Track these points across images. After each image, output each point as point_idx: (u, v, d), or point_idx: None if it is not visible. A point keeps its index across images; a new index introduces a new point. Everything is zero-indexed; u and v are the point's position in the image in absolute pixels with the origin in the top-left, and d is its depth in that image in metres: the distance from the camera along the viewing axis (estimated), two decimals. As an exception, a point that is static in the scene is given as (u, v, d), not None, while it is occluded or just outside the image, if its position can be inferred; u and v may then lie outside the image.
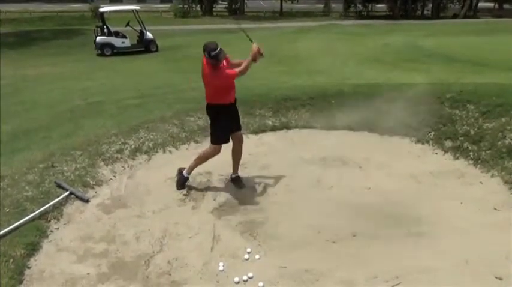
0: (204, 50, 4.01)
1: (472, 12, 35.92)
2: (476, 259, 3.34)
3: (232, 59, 4.34)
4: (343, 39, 18.24)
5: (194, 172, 4.61)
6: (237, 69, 4.12)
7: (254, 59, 4.14)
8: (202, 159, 4.46)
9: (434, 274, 3.21)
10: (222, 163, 4.66)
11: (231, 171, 4.67)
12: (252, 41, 4.22)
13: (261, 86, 7.33)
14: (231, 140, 4.43)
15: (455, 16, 34.73)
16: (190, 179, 4.56)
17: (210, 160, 4.50)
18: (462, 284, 3.11)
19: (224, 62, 4.15)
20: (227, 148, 4.93)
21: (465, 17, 34.09)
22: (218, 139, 4.37)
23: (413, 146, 5.37)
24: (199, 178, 4.65)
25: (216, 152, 4.41)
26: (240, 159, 4.59)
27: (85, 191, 4.43)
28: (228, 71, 4.11)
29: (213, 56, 3.97)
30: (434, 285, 3.11)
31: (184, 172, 4.50)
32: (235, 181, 4.60)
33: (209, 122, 4.47)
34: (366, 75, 9.13)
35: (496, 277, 3.15)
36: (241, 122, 5.85)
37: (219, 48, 3.97)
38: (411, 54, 13.11)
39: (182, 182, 4.51)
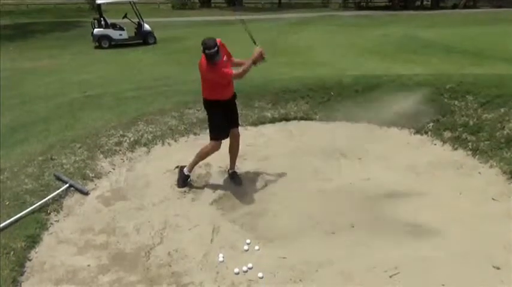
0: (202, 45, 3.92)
1: (472, 2, 35.69)
2: (475, 249, 3.36)
3: (232, 55, 4.27)
4: (342, 30, 18.16)
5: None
6: (234, 71, 4.02)
7: (255, 63, 4.02)
8: (202, 156, 4.42)
9: (433, 264, 3.23)
10: (221, 155, 4.66)
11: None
12: (255, 43, 4.09)
13: (260, 78, 7.29)
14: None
15: (454, 6, 34.52)
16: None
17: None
18: (460, 274, 3.13)
19: (224, 58, 4.07)
20: (226, 141, 4.91)
21: (465, 7, 33.89)
22: (217, 135, 4.32)
23: (412, 137, 5.37)
24: (198, 170, 4.65)
25: (216, 148, 4.36)
26: (236, 155, 4.56)
27: (84, 184, 4.44)
28: (225, 70, 3.99)
29: (207, 55, 3.90)
30: (433, 275, 3.14)
31: (185, 170, 4.46)
32: (233, 177, 4.58)
33: (207, 116, 4.44)
34: (365, 67, 9.12)
35: (494, 267, 3.17)
36: (240, 114, 5.91)
37: (215, 49, 3.86)
38: (410, 45, 13.07)
39: (183, 179, 4.46)
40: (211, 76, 4.02)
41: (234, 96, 4.38)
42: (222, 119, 4.24)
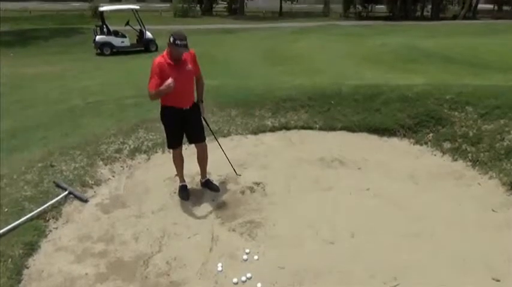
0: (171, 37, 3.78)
1: (472, 13, 35.97)
2: (474, 260, 3.35)
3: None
4: (342, 39, 18.28)
5: (193, 172, 4.61)
6: (154, 87, 3.77)
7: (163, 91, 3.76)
8: (175, 165, 4.42)
9: (432, 275, 3.22)
10: (220, 163, 4.67)
11: (229, 171, 4.67)
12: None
13: (260, 86, 7.34)
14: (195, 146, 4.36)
15: (454, 17, 34.82)
16: (188, 181, 4.55)
17: (209, 161, 4.49)
18: (460, 285, 3.12)
19: (188, 63, 3.95)
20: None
21: (465, 18, 34.17)
22: (169, 144, 4.34)
23: (412, 147, 5.37)
24: (198, 178, 4.65)
25: (175, 156, 4.34)
26: (205, 164, 4.48)
27: (84, 191, 4.43)
28: (153, 80, 3.79)
29: (179, 45, 3.73)
30: (432, 285, 3.12)
31: (178, 182, 4.50)
32: (207, 185, 4.52)
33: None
34: (365, 76, 9.15)
35: (494, 279, 3.16)
36: (240, 122, 5.94)
37: (186, 41, 3.73)
38: (410, 55, 13.13)
39: (180, 191, 4.45)
40: (176, 74, 3.80)
41: (195, 107, 4.16)
42: (174, 128, 4.12)
